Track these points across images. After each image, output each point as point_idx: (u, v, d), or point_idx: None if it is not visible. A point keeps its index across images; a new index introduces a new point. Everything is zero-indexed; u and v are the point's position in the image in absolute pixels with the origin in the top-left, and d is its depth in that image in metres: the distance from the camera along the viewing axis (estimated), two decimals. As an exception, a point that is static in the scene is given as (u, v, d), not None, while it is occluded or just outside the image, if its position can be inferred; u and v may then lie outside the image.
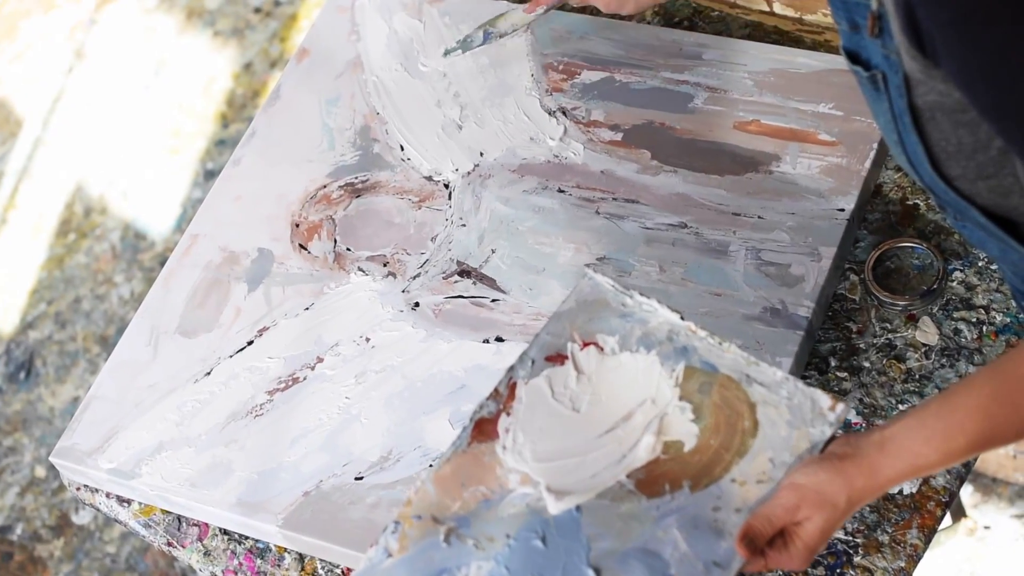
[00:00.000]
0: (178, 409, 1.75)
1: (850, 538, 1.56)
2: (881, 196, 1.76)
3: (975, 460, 1.68)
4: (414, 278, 1.79)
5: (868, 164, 1.74)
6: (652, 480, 1.36)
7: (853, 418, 1.62)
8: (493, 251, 1.78)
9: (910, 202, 1.75)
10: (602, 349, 1.45)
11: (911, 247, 1.71)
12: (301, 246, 1.85)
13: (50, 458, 1.78)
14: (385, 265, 1.81)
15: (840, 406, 1.35)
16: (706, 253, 1.72)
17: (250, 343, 1.78)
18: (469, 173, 1.86)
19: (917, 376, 1.63)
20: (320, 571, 1.67)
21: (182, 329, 1.82)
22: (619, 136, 1.84)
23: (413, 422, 1.67)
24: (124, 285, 3.19)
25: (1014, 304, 1.65)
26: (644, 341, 1.45)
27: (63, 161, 3.43)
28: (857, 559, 1.55)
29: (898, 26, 1.17)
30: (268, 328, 1.79)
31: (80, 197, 3.35)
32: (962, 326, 1.66)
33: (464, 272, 1.78)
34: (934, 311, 1.67)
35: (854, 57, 1.28)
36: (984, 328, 1.65)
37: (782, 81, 1.83)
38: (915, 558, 1.54)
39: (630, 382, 1.43)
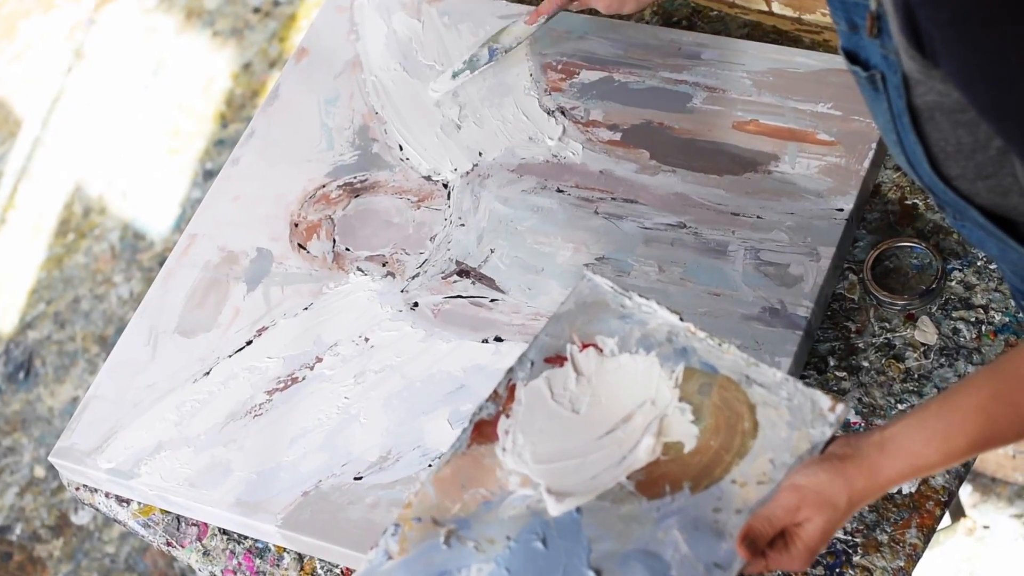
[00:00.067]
0: (177, 409, 1.75)
1: (849, 537, 1.56)
2: (880, 196, 1.76)
3: (974, 460, 1.68)
4: (413, 278, 1.79)
5: (867, 164, 1.74)
6: (652, 481, 1.36)
7: (852, 418, 1.62)
8: (492, 251, 1.78)
9: (909, 202, 1.75)
10: (601, 350, 1.45)
11: (910, 247, 1.71)
12: (300, 246, 1.85)
13: (49, 458, 1.78)
14: (384, 265, 1.81)
15: (840, 407, 1.35)
16: (705, 253, 1.71)
17: (249, 343, 1.78)
18: (468, 173, 1.86)
19: (916, 376, 1.63)
20: (319, 571, 1.67)
21: (181, 329, 1.82)
22: (618, 136, 1.84)
23: (412, 422, 1.67)
24: (123, 285, 3.18)
25: (1013, 303, 1.65)
26: (643, 342, 1.44)
27: (62, 161, 3.43)
28: (856, 558, 1.55)
29: (897, 26, 1.17)
30: (267, 328, 1.79)
31: (79, 197, 3.35)
32: (961, 325, 1.66)
33: (463, 272, 1.78)
34: (933, 311, 1.67)
35: (853, 57, 1.28)
36: (983, 328, 1.65)
37: (781, 81, 1.83)
38: (914, 558, 1.54)
39: (630, 383, 1.42)
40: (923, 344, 1.65)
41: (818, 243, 1.69)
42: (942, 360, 1.64)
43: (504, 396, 1.43)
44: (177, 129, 3.39)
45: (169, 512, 1.75)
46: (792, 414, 1.37)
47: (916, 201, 1.75)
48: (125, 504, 1.77)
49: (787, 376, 1.38)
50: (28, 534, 2.90)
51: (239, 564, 1.70)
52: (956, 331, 1.65)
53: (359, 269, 1.81)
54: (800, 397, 1.37)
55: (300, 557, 1.69)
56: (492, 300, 1.74)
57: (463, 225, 1.81)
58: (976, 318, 1.66)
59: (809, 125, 1.79)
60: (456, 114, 1.91)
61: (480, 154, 1.87)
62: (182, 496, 1.69)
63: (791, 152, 1.77)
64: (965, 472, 1.59)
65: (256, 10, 3.53)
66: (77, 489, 1.80)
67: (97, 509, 1.80)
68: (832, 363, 1.66)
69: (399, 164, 1.90)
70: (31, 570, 2.86)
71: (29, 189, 3.41)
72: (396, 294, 1.78)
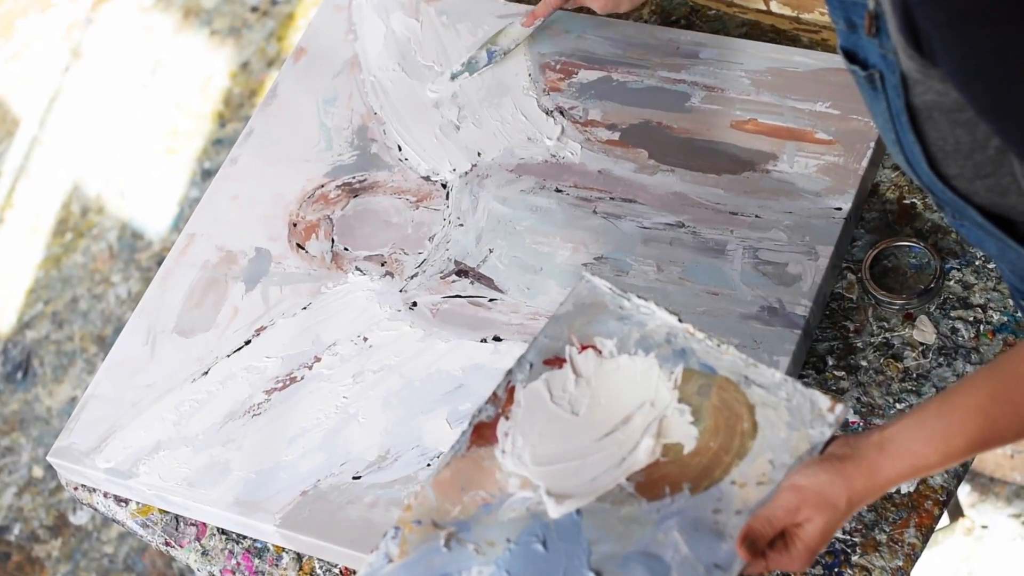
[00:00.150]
0: (176, 409, 1.75)
1: (848, 537, 1.56)
2: (878, 195, 1.76)
3: (972, 460, 1.68)
4: (412, 278, 1.79)
5: (865, 163, 1.74)
6: (652, 483, 1.36)
7: (851, 417, 1.62)
8: (491, 251, 1.78)
9: (907, 201, 1.75)
10: (600, 352, 1.45)
11: (908, 246, 1.71)
12: (299, 246, 1.85)
13: (47, 458, 1.78)
14: (383, 265, 1.81)
15: (839, 407, 1.35)
16: (703, 252, 1.71)
17: (247, 343, 1.78)
18: (467, 173, 1.86)
19: (914, 375, 1.63)
20: (318, 571, 1.67)
21: (179, 329, 1.82)
22: (616, 135, 1.84)
23: (411, 421, 1.67)
24: (121, 285, 3.18)
25: (1011, 303, 1.65)
26: (642, 343, 1.44)
27: (60, 160, 3.43)
28: (855, 558, 1.55)
29: (895, 25, 1.17)
30: (266, 328, 1.79)
31: (77, 196, 3.35)
32: (959, 325, 1.66)
33: (462, 272, 1.77)
34: (931, 310, 1.67)
35: (851, 56, 1.28)
36: (981, 327, 1.65)
37: (779, 80, 1.83)
38: (913, 557, 1.54)
39: (629, 385, 1.42)
40: (921, 343, 1.65)
41: (816, 242, 1.69)
42: (940, 360, 1.64)
43: (503, 398, 1.43)
44: (175, 128, 3.39)
45: (168, 512, 1.75)
46: (791, 415, 1.37)
47: (914, 200, 1.75)
48: (123, 504, 1.77)
49: (786, 377, 1.38)
50: (26, 534, 2.90)
51: (238, 564, 1.70)
52: (954, 330, 1.65)
53: (358, 269, 1.81)
54: (799, 397, 1.37)
55: (299, 557, 1.69)
56: (491, 300, 1.74)
57: (462, 225, 1.81)
58: (974, 317, 1.66)
59: (807, 124, 1.79)
60: (455, 115, 1.91)
61: (479, 154, 1.87)
62: (180, 496, 1.69)
63: (789, 151, 1.77)
64: (964, 472, 1.59)
65: (254, 9, 3.53)
66: (75, 489, 1.80)
67: (95, 509, 1.80)
68: (831, 363, 1.66)
69: (398, 164, 1.90)
70: (29, 570, 2.86)
71: (27, 188, 3.41)
72: (395, 294, 1.78)
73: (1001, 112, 1.12)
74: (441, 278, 1.78)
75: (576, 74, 1.91)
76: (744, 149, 1.79)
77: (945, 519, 2.45)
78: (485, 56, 1.92)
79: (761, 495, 1.33)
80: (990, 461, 2.46)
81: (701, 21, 1.98)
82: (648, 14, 2.00)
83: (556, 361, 1.45)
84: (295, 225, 1.87)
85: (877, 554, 1.55)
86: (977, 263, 1.69)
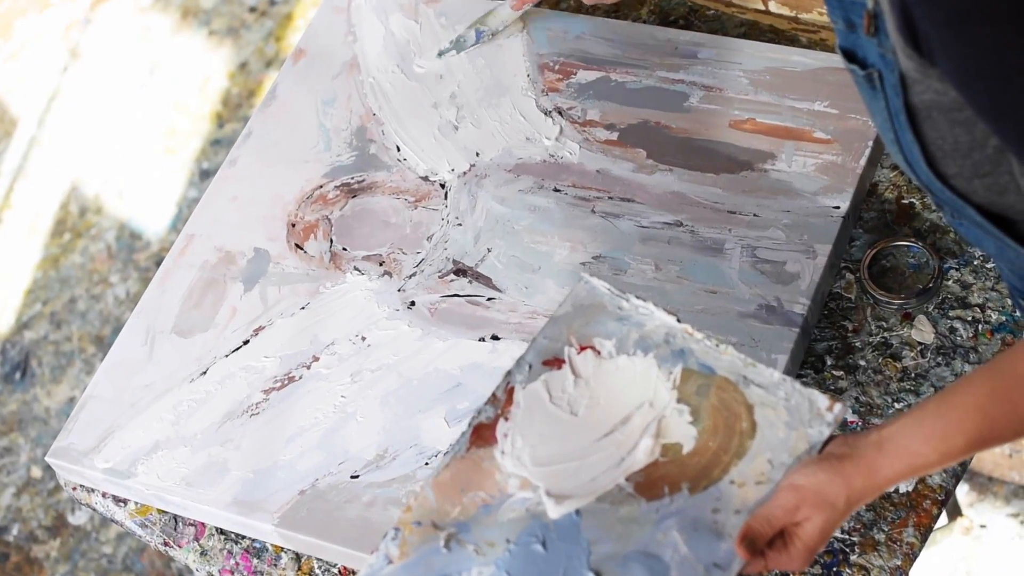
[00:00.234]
0: (174, 408, 1.75)
1: (847, 536, 1.56)
2: (877, 195, 1.76)
3: (971, 459, 1.68)
4: (410, 277, 1.79)
5: (863, 162, 1.74)
6: (651, 483, 1.36)
7: (849, 417, 1.62)
8: (489, 250, 1.78)
9: (906, 201, 1.75)
10: (599, 353, 1.45)
11: (907, 246, 1.71)
12: (297, 246, 1.85)
13: (46, 458, 1.78)
14: (381, 264, 1.81)
15: (838, 407, 1.35)
16: (702, 251, 1.72)
17: (246, 342, 1.78)
18: (465, 173, 1.86)
19: (913, 375, 1.63)
20: (317, 570, 1.67)
21: (178, 329, 1.82)
22: (615, 135, 1.84)
23: (409, 420, 1.68)
24: (120, 285, 3.18)
25: (1010, 302, 1.65)
26: (641, 344, 1.44)
27: (58, 161, 3.43)
28: (853, 557, 1.55)
29: (894, 25, 1.17)
30: (264, 327, 1.79)
31: (75, 197, 3.35)
32: (958, 325, 1.66)
33: (460, 271, 1.77)
34: (930, 310, 1.67)
35: (850, 56, 1.28)
36: (980, 327, 1.65)
37: (778, 79, 1.83)
38: (911, 557, 1.55)
39: (628, 385, 1.42)
40: (920, 343, 1.65)
41: (815, 241, 1.69)
42: (939, 359, 1.64)
43: (502, 399, 1.43)
44: (173, 129, 3.39)
45: (166, 512, 1.75)
46: (790, 414, 1.37)
47: (913, 200, 1.75)
48: (122, 504, 1.77)
49: (784, 376, 1.38)
50: (25, 535, 2.90)
51: (236, 564, 1.70)
52: (953, 330, 1.66)
53: (356, 268, 1.81)
54: (798, 397, 1.37)
55: (298, 556, 1.69)
56: (489, 299, 1.74)
57: (460, 225, 1.81)
58: (973, 317, 1.66)
59: (806, 123, 1.79)
60: (453, 115, 1.91)
61: (477, 154, 1.87)
62: (179, 495, 1.69)
63: (788, 150, 1.77)
64: (962, 471, 1.59)
65: (252, 9, 3.53)
66: (74, 489, 1.80)
67: (94, 509, 1.80)
68: (829, 362, 1.66)
69: (396, 165, 1.90)
70: (28, 571, 2.86)
71: (25, 189, 3.40)
72: (393, 293, 1.78)
73: (999, 111, 1.12)
74: (439, 277, 1.78)
75: (575, 74, 1.91)
76: (742, 148, 1.79)
77: (944, 518, 2.45)
78: (473, 35, 1.93)
79: (760, 494, 1.33)
80: (988, 460, 2.46)
81: (699, 21, 1.98)
82: (647, 14, 2.00)
83: (555, 362, 1.45)
84: (294, 225, 1.87)
85: (876, 553, 1.55)
86: (976, 263, 1.69)
